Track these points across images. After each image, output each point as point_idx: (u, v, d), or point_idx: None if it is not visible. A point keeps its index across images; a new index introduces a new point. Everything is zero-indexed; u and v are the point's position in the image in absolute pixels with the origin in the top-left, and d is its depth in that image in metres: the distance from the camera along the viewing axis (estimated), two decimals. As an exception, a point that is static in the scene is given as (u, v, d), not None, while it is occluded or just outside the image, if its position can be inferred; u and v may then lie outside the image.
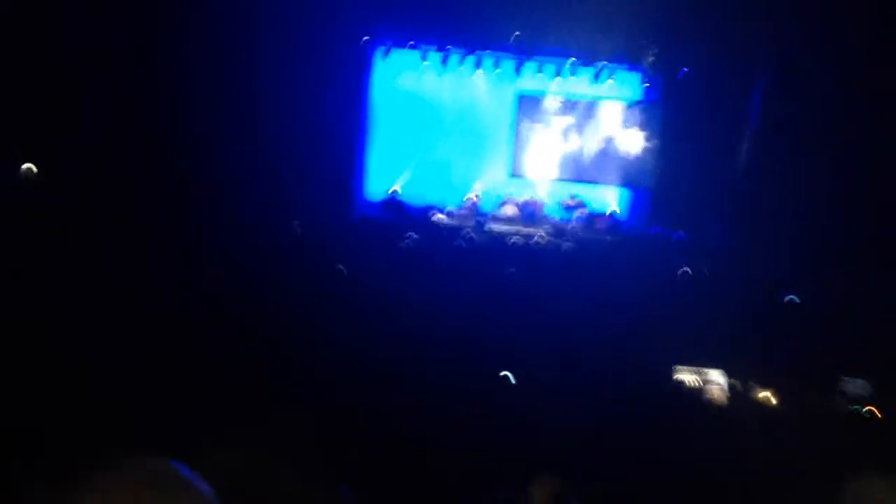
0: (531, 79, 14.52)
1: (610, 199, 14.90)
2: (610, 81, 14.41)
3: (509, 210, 14.28)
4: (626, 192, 15.03)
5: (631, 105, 14.84)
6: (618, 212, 14.73)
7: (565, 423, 4.27)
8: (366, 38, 13.93)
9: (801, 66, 11.94)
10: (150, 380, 4.22)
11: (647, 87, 14.60)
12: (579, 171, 14.86)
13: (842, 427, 4.87)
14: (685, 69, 13.81)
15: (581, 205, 14.43)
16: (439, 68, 14.40)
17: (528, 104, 14.77)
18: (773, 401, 5.11)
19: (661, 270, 9.36)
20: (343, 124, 13.86)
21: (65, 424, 3.56)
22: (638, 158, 14.72)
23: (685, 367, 5.50)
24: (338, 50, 13.40)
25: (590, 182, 14.85)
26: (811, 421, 4.92)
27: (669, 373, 5.56)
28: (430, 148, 14.81)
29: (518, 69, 14.31)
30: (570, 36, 13.62)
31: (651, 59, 13.92)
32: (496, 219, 13.92)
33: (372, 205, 14.38)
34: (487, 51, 14.15)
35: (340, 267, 7.75)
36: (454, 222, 13.36)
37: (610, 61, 14.16)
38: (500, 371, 5.09)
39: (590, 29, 13.41)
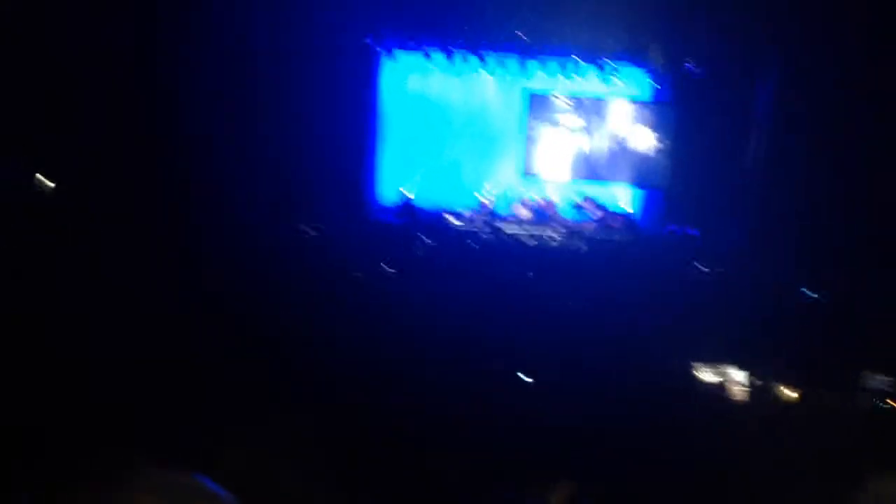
0: (541, 78, 14.47)
1: (622, 198, 14.84)
2: (620, 80, 14.35)
3: (522, 211, 14.25)
4: (639, 191, 14.97)
5: (642, 103, 14.77)
6: (631, 211, 14.67)
7: (581, 424, 4.23)
8: (371, 40, 13.92)
9: (813, 62, 11.86)
10: (159, 382, 4.23)
11: (658, 84, 14.54)
12: (591, 171, 14.80)
13: (864, 424, 4.81)
14: (694, 65, 13.74)
15: (594, 204, 14.38)
16: (447, 70, 14.38)
17: (538, 104, 14.72)
18: (793, 399, 5.05)
19: (676, 269, 9.31)
20: (352, 129, 13.89)
21: (66, 425, 3.55)
22: (650, 157, 14.66)
23: (702, 367, 5.45)
24: (344, 54, 13.42)
25: (602, 181, 14.79)
26: (832, 419, 4.86)
27: (687, 372, 5.51)
28: (441, 150, 14.80)
29: (527, 69, 14.26)
30: (578, 34, 13.59)
31: (661, 56, 13.85)
32: (508, 220, 13.89)
33: (383, 209, 14.38)
34: (494, 51, 14.11)
35: (356, 274, 7.73)
36: (466, 225, 13.33)
37: (620, 59, 14.10)
38: (516, 372, 5.06)
39: (599, 27, 13.38)
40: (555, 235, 12.08)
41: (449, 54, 14.12)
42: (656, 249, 11.58)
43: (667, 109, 14.55)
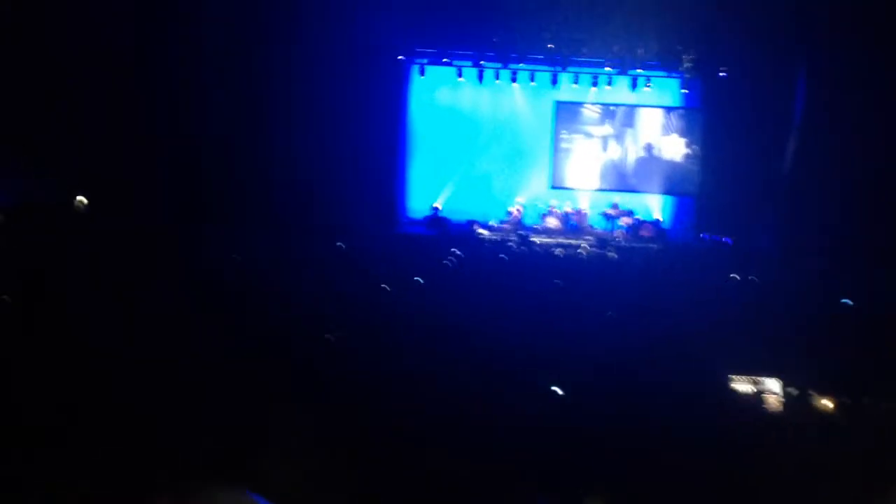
0: (568, 89, 14.51)
1: (653, 206, 14.80)
2: (648, 88, 14.34)
3: (552, 222, 14.26)
4: (669, 200, 14.92)
5: (670, 111, 14.76)
6: (661, 220, 14.62)
7: (615, 434, 4.24)
8: (402, 56, 14.07)
9: (844, 66, 11.77)
10: (199, 386, 4.33)
11: (686, 92, 14.51)
12: (621, 180, 14.80)
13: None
14: (724, 71, 13.69)
15: (625, 213, 14.35)
16: (476, 83, 14.48)
17: (566, 114, 14.77)
18: (831, 408, 5.02)
19: (709, 277, 9.26)
20: (383, 143, 14.04)
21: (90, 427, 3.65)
22: (680, 165, 14.63)
23: (739, 376, 5.43)
24: (375, 69, 13.58)
25: (632, 191, 14.77)
26: (869, 426, 4.82)
27: (721, 381, 5.49)
28: (471, 163, 14.87)
29: (554, 80, 14.32)
30: (605, 44, 13.62)
31: (689, 64, 13.82)
32: (539, 231, 13.90)
33: (414, 221, 14.47)
34: (523, 63, 14.18)
35: (385, 286, 7.80)
36: (497, 236, 13.37)
37: (647, 68, 14.10)
38: (548, 380, 5.08)
39: (626, 36, 13.39)
40: (585, 245, 12.05)
41: (479, 67, 14.22)
42: (688, 258, 11.51)
43: (697, 115, 14.52)
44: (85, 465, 3.62)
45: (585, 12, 13.08)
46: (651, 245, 13.25)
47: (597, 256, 11.05)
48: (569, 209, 14.50)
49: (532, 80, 14.37)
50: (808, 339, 6.36)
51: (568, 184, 14.85)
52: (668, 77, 14.42)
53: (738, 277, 9.08)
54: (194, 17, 11.77)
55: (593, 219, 14.53)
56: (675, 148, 14.68)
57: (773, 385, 5.44)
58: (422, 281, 7.96)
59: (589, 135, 14.78)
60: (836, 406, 5.08)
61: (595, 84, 14.39)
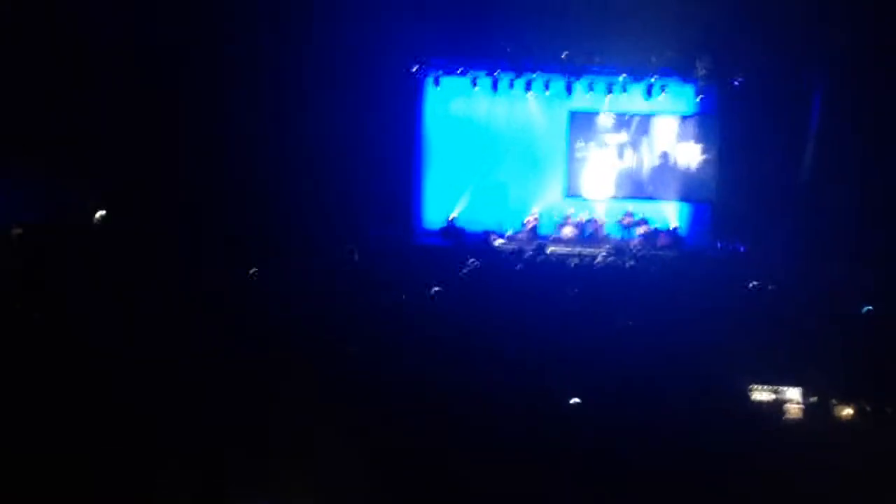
0: (583, 98, 14.50)
1: (669, 215, 14.74)
2: (663, 96, 14.30)
3: (568, 231, 14.22)
4: (686, 208, 14.86)
5: (686, 118, 14.71)
6: (677, 227, 14.56)
7: (637, 444, 4.23)
8: (416, 67, 14.11)
9: (860, 72, 11.72)
10: (218, 391, 4.37)
11: (701, 99, 14.46)
12: (637, 188, 14.76)
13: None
14: (739, 78, 13.64)
15: (641, 222, 14.31)
16: (490, 93, 14.49)
17: (581, 123, 14.76)
18: (853, 416, 4.98)
19: (727, 286, 9.21)
20: (398, 154, 14.07)
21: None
22: (696, 172, 14.57)
23: (759, 386, 5.40)
24: (390, 80, 13.63)
25: (648, 199, 14.72)
26: (890, 432, 4.79)
27: (739, 389, 5.46)
28: (486, 173, 14.87)
29: (569, 88, 14.29)
30: (620, 52, 13.59)
31: (704, 71, 13.77)
32: (555, 241, 13.87)
33: (430, 232, 14.47)
34: (537, 72, 14.19)
35: (403, 296, 7.82)
36: (513, 246, 13.35)
37: (662, 75, 14.06)
38: (566, 389, 5.07)
39: (640, 44, 13.35)
40: (601, 254, 12.01)
41: (493, 77, 14.25)
42: (704, 266, 11.45)
43: (712, 122, 14.46)
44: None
45: (599, 20, 13.05)
46: (668, 253, 13.18)
47: (613, 265, 11.00)
48: (584, 218, 14.46)
49: (546, 89, 14.36)
50: (828, 347, 6.32)
51: (583, 193, 14.82)
52: (683, 84, 14.37)
53: (756, 285, 9.03)
54: (210, 29, 11.88)
55: (609, 228, 14.48)
56: (690, 155, 14.63)
57: (793, 393, 5.41)
58: (436, 291, 7.97)
59: (604, 143, 14.76)
60: (857, 413, 5.04)
61: (610, 92, 14.36)
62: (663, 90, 14.23)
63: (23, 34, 10.59)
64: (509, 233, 14.16)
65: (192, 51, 11.87)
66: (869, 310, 7.84)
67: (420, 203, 14.83)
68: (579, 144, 14.76)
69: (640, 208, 14.60)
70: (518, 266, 10.42)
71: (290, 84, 12.62)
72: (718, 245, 13.53)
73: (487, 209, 14.67)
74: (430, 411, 4.61)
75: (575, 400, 4.89)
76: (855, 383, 5.42)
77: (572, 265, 10.91)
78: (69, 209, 10.76)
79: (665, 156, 14.70)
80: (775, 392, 5.36)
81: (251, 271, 8.54)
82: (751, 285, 9.09)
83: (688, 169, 14.63)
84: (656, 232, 14.22)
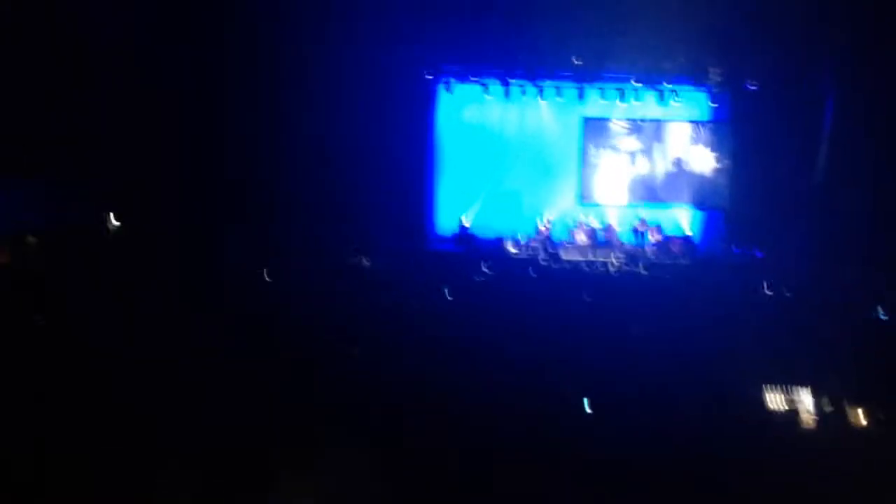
0: (596, 104, 14.50)
1: (682, 221, 14.70)
2: (676, 102, 14.29)
3: (581, 237, 14.20)
4: (699, 214, 14.83)
5: (699, 125, 14.69)
6: (691, 234, 14.52)
7: (652, 450, 4.23)
8: (429, 74, 14.16)
9: (872, 78, 11.67)
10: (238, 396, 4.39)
11: (715, 106, 14.44)
12: (650, 194, 14.75)
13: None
14: (752, 84, 13.61)
15: (654, 228, 14.28)
16: (503, 99, 14.52)
17: (593, 129, 14.75)
18: (869, 422, 4.96)
19: (741, 291, 9.18)
20: (411, 160, 14.11)
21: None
22: (709, 178, 14.54)
23: (772, 390, 5.39)
24: (403, 87, 13.68)
25: (661, 205, 14.70)
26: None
27: (753, 395, 5.45)
28: (499, 179, 14.88)
29: (581, 95, 14.31)
30: (633, 58, 13.59)
31: (717, 77, 13.75)
32: (568, 247, 13.86)
33: (443, 238, 14.49)
34: (549, 79, 14.20)
35: (416, 301, 7.84)
36: (527, 253, 13.35)
37: (675, 81, 14.05)
38: (579, 395, 5.08)
39: (653, 50, 13.35)
40: (614, 260, 11.99)
41: (506, 84, 14.28)
42: (719, 272, 11.42)
43: (726, 129, 14.44)
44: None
45: (612, 27, 13.05)
46: (681, 259, 13.15)
47: (627, 272, 10.99)
48: (597, 225, 14.44)
49: (559, 95, 14.38)
50: (843, 353, 6.29)
51: (596, 199, 14.81)
52: (696, 90, 14.35)
53: (770, 291, 9.00)
54: (220, 34, 11.94)
55: (622, 233, 14.45)
56: (704, 161, 14.61)
57: (809, 400, 5.39)
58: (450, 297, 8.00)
59: (617, 150, 14.75)
60: (873, 419, 5.03)
61: (622, 98, 14.36)
62: (676, 96, 14.22)
63: (23, 34, 10.61)
64: (522, 239, 14.15)
65: (196, 52, 11.91)
66: (885, 315, 7.80)
67: (433, 209, 14.85)
68: (592, 150, 14.75)
69: (653, 214, 14.57)
70: (531, 272, 10.43)
71: (303, 90, 12.68)
72: (735, 250, 13.47)
73: (500, 215, 14.67)
74: (445, 417, 4.62)
75: (589, 407, 4.90)
76: (870, 389, 5.39)
77: (586, 271, 10.91)
78: (69, 209, 10.79)
79: (678, 162, 14.68)
80: (790, 398, 5.34)
81: (264, 273, 8.58)
82: (765, 291, 9.05)
83: (701, 175, 14.61)
84: (670, 238, 14.18)
